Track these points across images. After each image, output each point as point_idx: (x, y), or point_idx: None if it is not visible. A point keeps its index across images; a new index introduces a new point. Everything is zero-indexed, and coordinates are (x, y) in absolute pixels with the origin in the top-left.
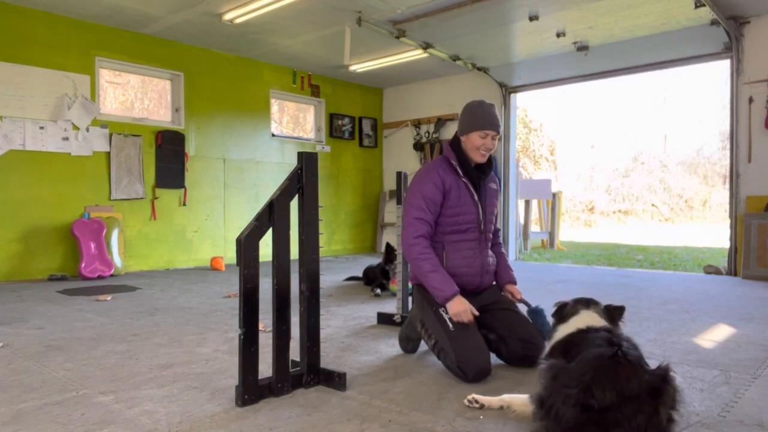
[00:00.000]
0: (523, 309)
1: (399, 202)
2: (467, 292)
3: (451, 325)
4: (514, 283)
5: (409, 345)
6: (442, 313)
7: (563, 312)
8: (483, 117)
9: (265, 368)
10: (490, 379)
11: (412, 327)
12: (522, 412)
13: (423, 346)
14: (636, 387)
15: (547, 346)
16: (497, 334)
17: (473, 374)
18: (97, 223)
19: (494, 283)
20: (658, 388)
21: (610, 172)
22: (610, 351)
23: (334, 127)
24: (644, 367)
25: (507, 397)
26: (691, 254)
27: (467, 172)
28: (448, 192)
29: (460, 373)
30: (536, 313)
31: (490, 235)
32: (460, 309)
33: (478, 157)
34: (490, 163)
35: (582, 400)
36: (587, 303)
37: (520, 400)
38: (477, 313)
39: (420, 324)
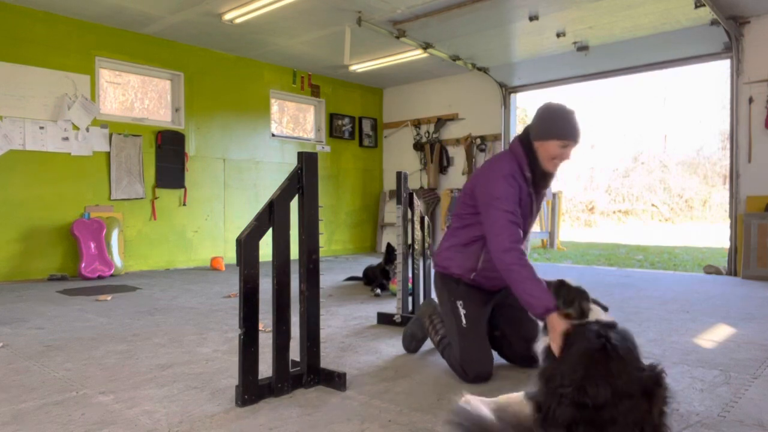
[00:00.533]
0: None
1: (399, 202)
2: (491, 292)
3: (464, 322)
4: None
5: (412, 344)
6: (459, 306)
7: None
8: (566, 124)
9: (265, 368)
10: (490, 379)
11: (419, 324)
12: (518, 411)
13: (424, 346)
14: (628, 383)
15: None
16: (502, 332)
17: (473, 375)
18: (97, 223)
19: None
20: (651, 391)
21: (610, 172)
22: (598, 345)
23: (334, 127)
24: (637, 362)
25: (502, 398)
26: (691, 254)
27: (535, 182)
28: (519, 201)
29: (460, 372)
30: None
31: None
32: (560, 332)
33: (551, 168)
34: (555, 173)
35: (576, 398)
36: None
37: (514, 398)
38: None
39: (428, 320)
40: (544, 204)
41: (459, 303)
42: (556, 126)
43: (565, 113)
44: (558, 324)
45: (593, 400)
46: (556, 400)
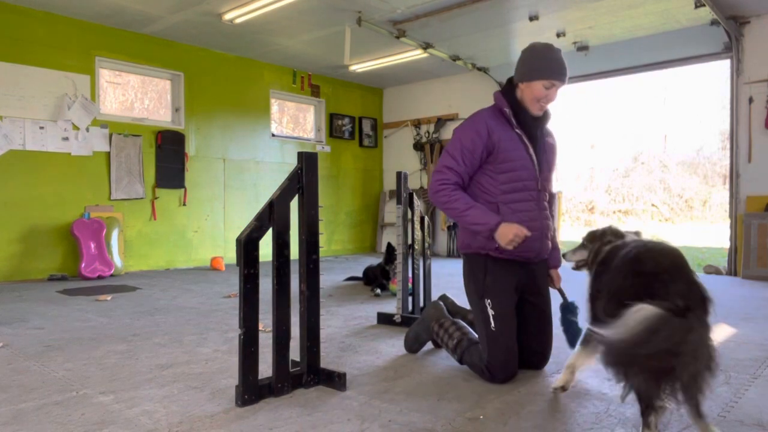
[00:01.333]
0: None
1: (399, 202)
2: (520, 264)
3: (493, 324)
4: (558, 266)
5: (415, 345)
6: (487, 305)
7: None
8: (551, 63)
9: (265, 368)
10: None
11: (424, 327)
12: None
13: (425, 346)
14: (684, 262)
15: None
16: None
17: (501, 378)
18: (97, 223)
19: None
20: (705, 297)
21: (610, 172)
22: (644, 244)
23: (334, 127)
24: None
25: (570, 363)
26: (691, 254)
27: (522, 123)
28: (496, 144)
29: (486, 374)
30: (569, 309)
31: (547, 195)
32: (512, 232)
33: (535, 110)
34: (547, 114)
35: (633, 268)
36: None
37: (580, 354)
38: (529, 233)
39: (437, 324)
40: None
41: (487, 302)
42: (541, 65)
43: (550, 52)
44: (505, 230)
45: (649, 268)
46: (613, 275)
